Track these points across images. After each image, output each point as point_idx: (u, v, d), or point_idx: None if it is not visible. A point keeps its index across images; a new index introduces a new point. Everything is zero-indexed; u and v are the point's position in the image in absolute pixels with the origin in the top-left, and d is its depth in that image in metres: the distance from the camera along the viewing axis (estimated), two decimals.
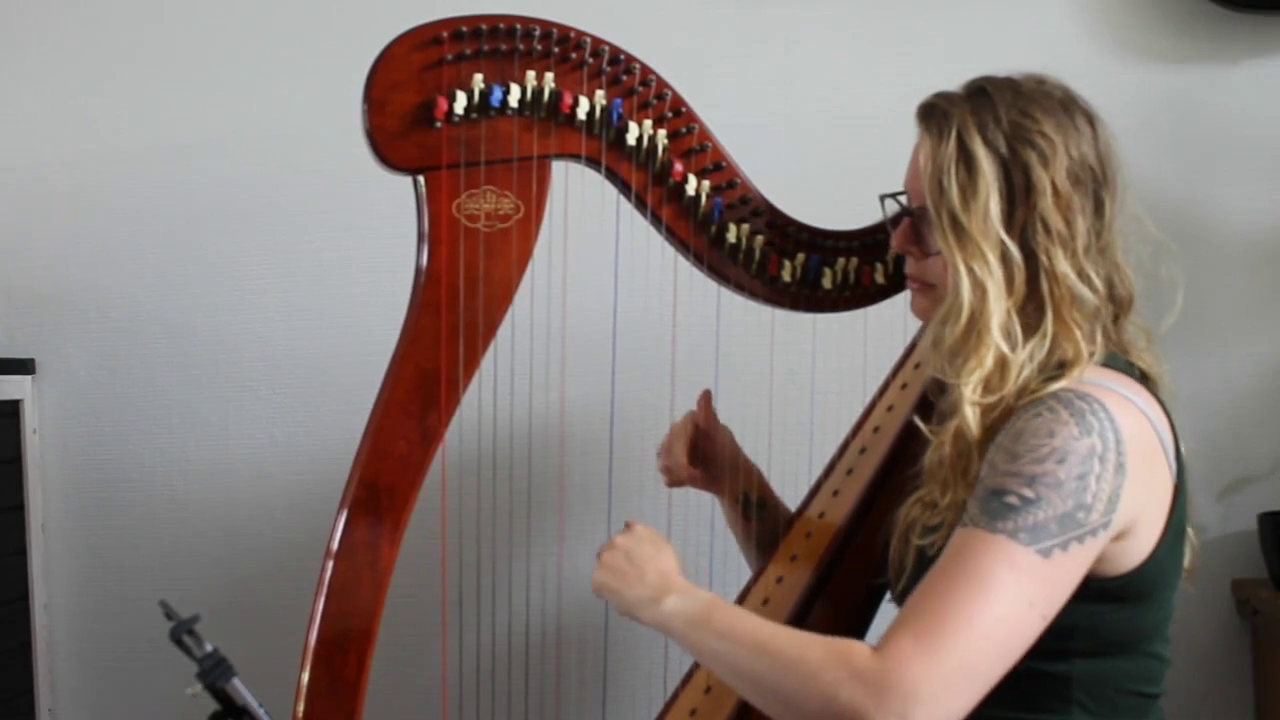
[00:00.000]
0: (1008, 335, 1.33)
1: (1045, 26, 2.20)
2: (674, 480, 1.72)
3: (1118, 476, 1.26)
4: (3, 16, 2.38)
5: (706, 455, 1.72)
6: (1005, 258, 1.33)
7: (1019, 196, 1.34)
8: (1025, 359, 1.33)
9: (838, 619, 1.52)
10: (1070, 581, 1.25)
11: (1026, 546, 1.22)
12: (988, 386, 1.33)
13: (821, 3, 2.23)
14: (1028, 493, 1.24)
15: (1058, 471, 1.24)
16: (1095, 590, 1.28)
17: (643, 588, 1.40)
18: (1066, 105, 1.38)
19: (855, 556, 1.55)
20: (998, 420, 1.33)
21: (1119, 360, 1.39)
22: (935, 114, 1.39)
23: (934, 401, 1.47)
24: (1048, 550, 1.23)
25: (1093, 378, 1.32)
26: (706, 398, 1.72)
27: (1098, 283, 1.35)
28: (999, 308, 1.32)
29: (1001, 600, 1.21)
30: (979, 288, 1.33)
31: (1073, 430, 1.26)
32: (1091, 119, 1.39)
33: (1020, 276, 1.33)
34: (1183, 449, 1.38)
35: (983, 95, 1.38)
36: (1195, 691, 2.16)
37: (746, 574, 1.69)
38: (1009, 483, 1.25)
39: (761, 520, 1.72)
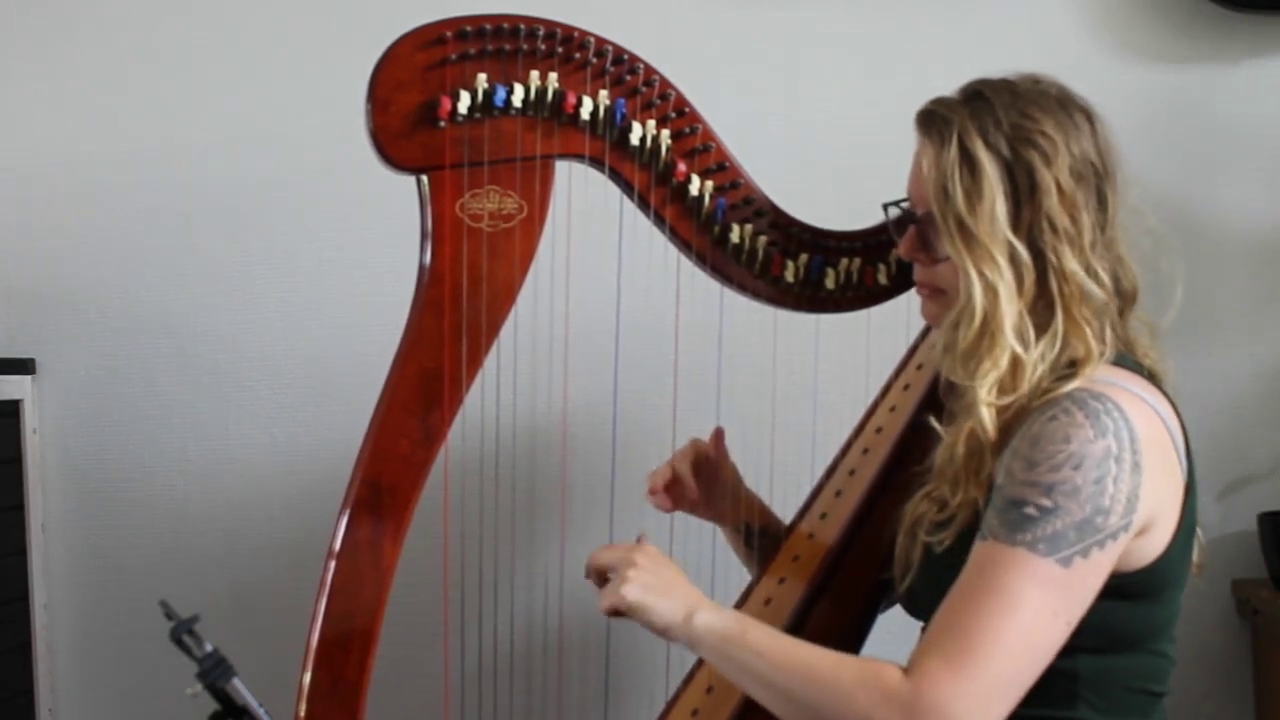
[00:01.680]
0: (1021, 336, 1.33)
1: (1045, 27, 2.20)
2: (671, 500, 1.68)
3: (1134, 476, 1.27)
4: (3, 17, 2.38)
5: (709, 480, 1.70)
6: (1014, 259, 1.34)
7: (1024, 197, 1.34)
8: (1038, 358, 1.34)
9: (841, 619, 1.52)
10: (1093, 587, 1.26)
11: (1046, 557, 1.23)
12: (1003, 388, 1.33)
13: (824, 4, 2.23)
14: (1045, 502, 1.25)
15: (1075, 478, 1.25)
16: (1108, 587, 1.29)
17: (675, 603, 1.39)
18: (1064, 103, 1.39)
19: (858, 555, 1.55)
20: (1012, 420, 1.34)
21: (1128, 359, 1.39)
22: (935, 120, 1.39)
23: (944, 402, 1.48)
24: (1068, 559, 1.24)
25: (1105, 376, 1.33)
26: (719, 434, 1.70)
27: (1105, 278, 1.36)
28: (1011, 309, 1.33)
29: (1026, 614, 1.23)
30: (991, 291, 1.33)
31: (1088, 433, 1.26)
32: (1089, 115, 1.40)
33: (1030, 277, 1.34)
34: (1190, 446, 1.38)
35: (981, 99, 1.38)
36: (1195, 691, 2.16)
37: (747, 578, 1.69)
38: (1027, 493, 1.26)
39: (763, 547, 1.70)
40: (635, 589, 1.40)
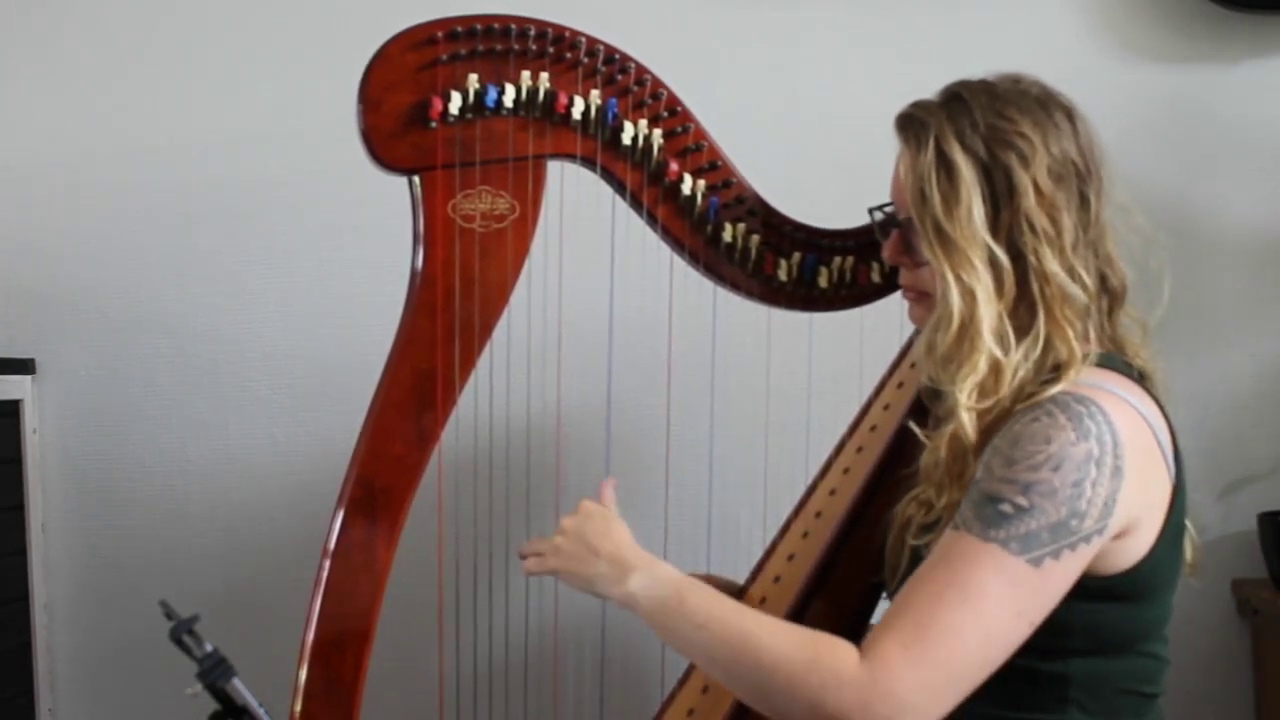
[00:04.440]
0: (1000, 339, 1.32)
1: (1045, 27, 2.20)
2: None
3: (1114, 480, 1.25)
4: (3, 17, 2.38)
5: None
6: (993, 262, 1.33)
7: (1002, 199, 1.33)
8: (1019, 360, 1.32)
9: (836, 617, 1.51)
10: (1061, 588, 1.25)
11: (1017, 556, 1.23)
12: (983, 391, 1.32)
13: (824, 4, 2.23)
14: (1021, 501, 1.24)
15: (1052, 479, 1.24)
16: (1093, 589, 1.28)
17: (600, 565, 1.39)
18: (1044, 102, 1.38)
19: (853, 554, 1.55)
20: (994, 423, 1.32)
21: (1116, 361, 1.38)
22: (912, 124, 1.38)
23: (928, 406, 1.47)
24: (1038, 559, 1.23)
25: (1090, 379, 1.32)
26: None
27: (1088, 279, 1.35)
28: (989, 312, 1.32)
29: (989, 610, 1.22)
30: (968, 294, 1.32)
31: (1069, 435, 1.25)
32: (1070, 114, 1.39)
33: (1009, 279, 1.33)
34: (1179, 447, 1.37)
35: (958, 101, 1.38)
36: (1195, 691, 2.16)
37: (743, 573, 1.69)
38: (1003, 489, 1.25)
39: None
40: (552, 559, 1.43)
